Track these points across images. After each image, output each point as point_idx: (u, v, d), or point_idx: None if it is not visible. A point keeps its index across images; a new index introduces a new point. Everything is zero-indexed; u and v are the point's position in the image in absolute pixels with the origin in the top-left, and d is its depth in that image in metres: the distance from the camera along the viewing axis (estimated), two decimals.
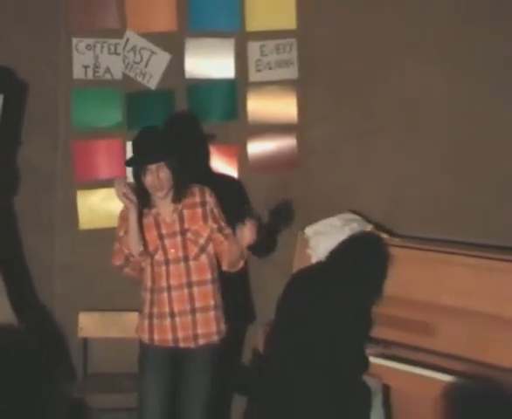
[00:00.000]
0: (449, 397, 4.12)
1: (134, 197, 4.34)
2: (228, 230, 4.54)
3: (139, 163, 4.40)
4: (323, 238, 4.94)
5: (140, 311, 4.65)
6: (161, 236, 4.52)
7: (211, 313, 4.55)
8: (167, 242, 4.52)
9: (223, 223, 4.57)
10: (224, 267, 4.61)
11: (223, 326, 4.60)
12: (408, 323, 4.63)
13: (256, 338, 5.05)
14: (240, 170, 5.57)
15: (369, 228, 5.10)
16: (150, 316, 4.54)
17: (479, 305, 4.45)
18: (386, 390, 4.64)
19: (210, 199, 4.61)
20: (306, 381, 4.28)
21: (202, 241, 4.56)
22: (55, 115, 5.47)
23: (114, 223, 4.99)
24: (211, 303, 4.55)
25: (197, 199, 4.58)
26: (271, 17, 5.46)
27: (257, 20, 5.47)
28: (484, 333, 4.38)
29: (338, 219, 5.08)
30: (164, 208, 4.53)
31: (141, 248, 4.41)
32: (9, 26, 5.30)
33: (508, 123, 4.91)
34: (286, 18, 5.45)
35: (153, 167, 4.36)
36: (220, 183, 5.37)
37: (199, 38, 5.48)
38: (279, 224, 5.27)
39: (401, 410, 4.65)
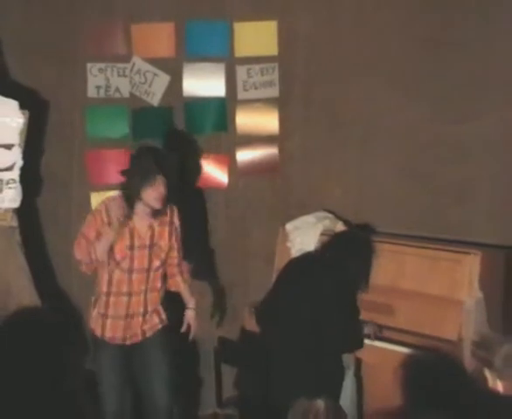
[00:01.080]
0: (407, 365, 4.24)
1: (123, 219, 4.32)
2: (181, 253, 4.59)
3: (153, 176, 4.25)
4: (300, 233, 5.00)
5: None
6: (132, 247, 4.38)
7: (156, 312, 4.53)
8: (136, 253, 4.39)
9: (180, 245, 4.58)
10: (169, 287, 4.64)
11: (164, 316, 4.56)
12: (373, 305, 4.66)
13: (243, 315, 5.13)
14: (230, 175, 5.59)
15: (339, 224, 5.11)
16: (105, 316, 4.45)
17: (431, 288, 4.52)
18: (358, 362, 4.68)
19: (176, 220, 4.54)
20: (292, 355, 4.31)
21: (163, 255, 4.49)
22: (72, 128, 5.48)
23: None
24: (159, 305, 4.54)
25: (168, 218, 4.49)
26: (256, 45, 5.50)
27: (244, 47, 5.50)
28: (436, 312, 4.45)
29: (313, 216, 5.13)
30: (140, 222, 4.40)
31: (106, 257, 4.34)
32: (34, 54, 5.30)
33: (448, 136, 4.96)
34: (268, 46, 5.50)
35: (160, 181, 4.26)
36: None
37: (195, 63, 5.51)
38: None
39: (369, 378, 4.68)
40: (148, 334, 4.52)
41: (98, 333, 4.50)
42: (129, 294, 4.43)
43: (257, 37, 5.50)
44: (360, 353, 4.62)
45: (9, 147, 4.92)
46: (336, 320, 4.32)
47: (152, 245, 4.44)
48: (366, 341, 4.57)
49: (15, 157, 4.92)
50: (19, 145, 4.92)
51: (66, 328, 2.65)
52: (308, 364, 4.28)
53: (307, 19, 5.38)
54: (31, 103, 5.03)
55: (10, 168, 4.92)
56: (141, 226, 4.42)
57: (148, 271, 4.45)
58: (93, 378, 5.20)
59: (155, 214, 4.40)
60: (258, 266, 5.04)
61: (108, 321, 4.46)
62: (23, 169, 4.93)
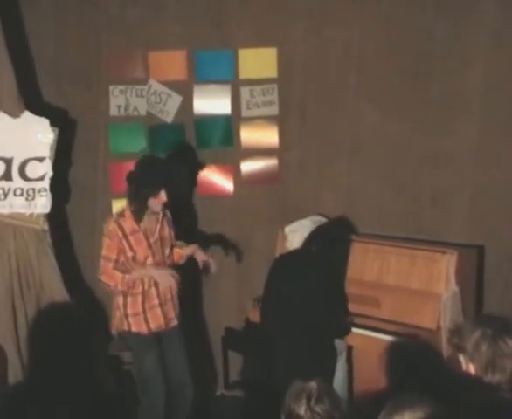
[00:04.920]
0: (392, 351, 4.27)
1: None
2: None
3: (157, 188, 4.27)
4: (297, 235, 4.82)
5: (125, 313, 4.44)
6: (150, 245, 4.40)
7: (176, 299, 4.59)
8: (154, 248, 4.40)
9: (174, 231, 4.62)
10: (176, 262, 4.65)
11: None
12: (361, 298, 4.69)
13: (247, 308, 5.14)
14: (235, 184, 5.59)
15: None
16: (144, 311, 4.40)
17: (413, 283, 4.56)
18: (349, 349, 4.69)
19: (167, 212, 4.58)
20: (289, 342, 4.32)
21: (169, 243, 4.54)
22: (96, 143, 5.49)
23: None
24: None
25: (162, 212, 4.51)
26: (258, 69, 5.48)
27: (247, 71, 5.49)
28: (416, 304, 4.47)
29: (308, 220, 4.95)
30: (148, 221, 4.39)
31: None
32: (64, 79, 5.35)
33: (424, 148, 5.00)
34: (269, 69, 5.48)
35: (162, 192, 4.29)
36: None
37: (204, 85, 5.51)
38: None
39: (358, 363, 4.71)
40: (178, 318, 4.55)
41: (143, 329, 4.42)
42: (155, 285, 4.41)
43: (259, 62, 5.49)
44: (351, 341, 4.63)
45: (40, 159, 4.97)
46: (325, 310, 4.32)
47: (160, 237, 4.47)
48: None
49: (46, 168, 4.97)
50: (49, 158, 4.96)
51: (92, 320, 2.69)
52: (304, 350, 4.28)
53: (303, 47, 5.38)
54: (61, 121, 5.08)
55: (41, 178, 4.97)
56: (150, 224, 4.42)
57: (163, 259, 4.48)
58: (116, 362, 5.26)
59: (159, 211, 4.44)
60: (260, 265, 5.02)
61: (149, 314, 4.42)
62: (52, 179, 4.97)
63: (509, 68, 4.73)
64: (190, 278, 4.91)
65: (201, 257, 4.62)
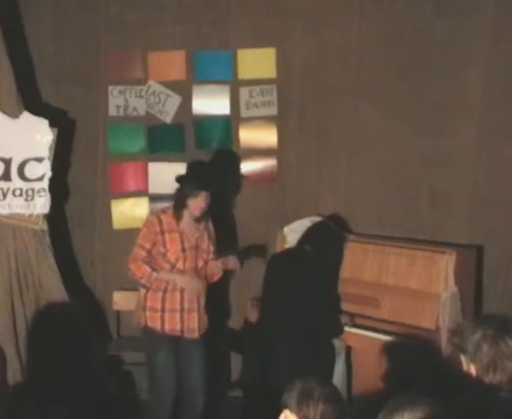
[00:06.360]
0: (391, 351, 4.28)
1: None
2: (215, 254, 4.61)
3: (197, 190, 4.32)
4: (296, 235, 4.87)
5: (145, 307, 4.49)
6: (184, 250, 4.41)
7: (206, 312, 4.59)
8: (187, 254, 4.42)
9: (215, 248, 4.62)
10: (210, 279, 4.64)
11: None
12: (360, 298, 4.68)
13: (246, 308, 5.09)
14: None
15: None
16: (163, 311, 4.40)
17: (412, 284, 4.55)
18: (348, 350, 4.70)
19: (211, 226, 4.61)
20: (286, 342, 4.32)
21: (205, 256, 4.53)
22: (95, 144, 5.49)
23: (139, 224, 4.90)
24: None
25: (206, 224, 4.55)
26: (257, 69, 5.48)
27: (246, 71, 5.49)
28: (416, 304, 4.47)
29: (308, 220, 5.01)
30: (188, 226, 4.44)
31: None
32: (63, 79, 5.36)
33: (423, 149, 5.01)
34: (268, 70, 5.48)
35: (202, 195, 4.34)
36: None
37: (203, 85, 5.51)
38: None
39: (357, 363, 4.71)
40: (202, 332, 4.51)
41: (157, 327, 4.43)
42: (181, 290, 4.42)
43: (258, 62, 5.49)
44: (350, 341, 4.64)
45: (40, 160, 4.96)
46: (320, 309, 4.34)
47: (197, 247, 4.47)
48: (351, 329, 4.62)
49: (45, 169, 4.95)
50: (48, 158, 4.95)
51: (92, 320, 2.68)
52: (302, 350, 4.29)
53: (302, 48, 5.39)
54: (60, 122, 5.07)
55: (40, 179, 4.96)
56: (189, 230, 4.45)
57: (195, 270, 4.48)
58: (115, 362, 5.26)
59: (198, 220, 4.45)
60: (259, 265, 5.03)
61: (167, 315, 4.41)
62: (51, 180, 4.96)
63: (508, 68, 4.75)
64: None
65: (226, 264, 4.64)
